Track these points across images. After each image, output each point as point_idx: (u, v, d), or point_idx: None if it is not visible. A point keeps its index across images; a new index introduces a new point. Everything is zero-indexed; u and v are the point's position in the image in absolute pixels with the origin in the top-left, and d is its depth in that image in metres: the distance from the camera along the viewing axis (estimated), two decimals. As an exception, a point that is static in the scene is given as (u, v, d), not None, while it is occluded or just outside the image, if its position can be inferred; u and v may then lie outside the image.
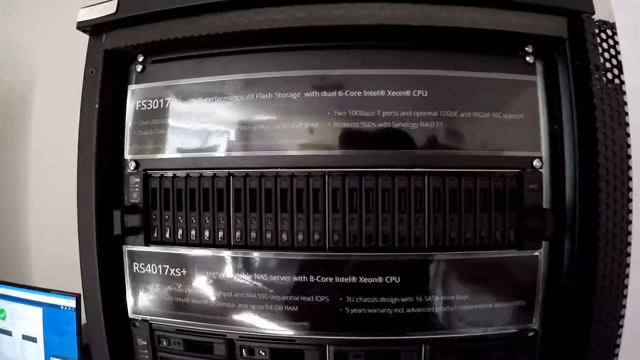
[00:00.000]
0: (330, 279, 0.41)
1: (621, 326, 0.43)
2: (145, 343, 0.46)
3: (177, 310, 0.44)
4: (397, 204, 0.40)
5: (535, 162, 0.42)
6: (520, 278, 0.42)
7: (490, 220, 0.41)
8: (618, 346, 0.43)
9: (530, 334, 0.43)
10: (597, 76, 0.42)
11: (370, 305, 0.41)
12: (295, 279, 0.41)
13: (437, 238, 0.40)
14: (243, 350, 0.43)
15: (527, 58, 0.43)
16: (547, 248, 0.42)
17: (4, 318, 0.79)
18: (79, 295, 0.72)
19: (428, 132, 0.41)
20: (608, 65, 0.43)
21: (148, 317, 0.45)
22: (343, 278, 0.41)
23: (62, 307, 0.74)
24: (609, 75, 0.43)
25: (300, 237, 0.41)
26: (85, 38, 0.47)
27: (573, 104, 0.42)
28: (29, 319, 0.77)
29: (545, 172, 0.42)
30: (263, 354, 0.43)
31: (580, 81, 0.42)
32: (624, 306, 0.42)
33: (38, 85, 0.98)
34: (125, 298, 0.46)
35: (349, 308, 0.41)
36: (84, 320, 0.75)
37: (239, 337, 0.42)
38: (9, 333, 0.78)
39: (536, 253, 0.42)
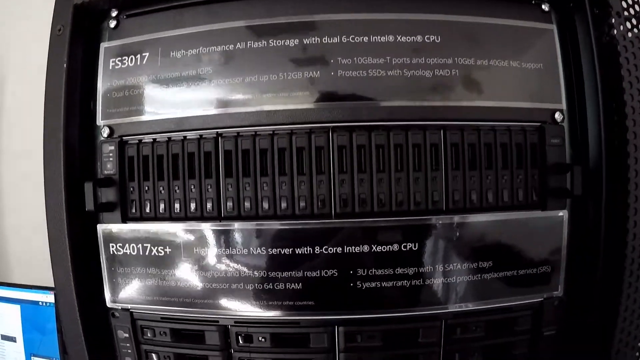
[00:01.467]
0: (339, 250, 0.34)
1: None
2: (126, 335, 0.38)
3: (162, 296, 0.36)
4: (412, 162, 0.34)
5: (557, 115, 0.38)
6: (545, 242, 0.37)
7: (512, 178, 0.37)
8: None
9: (556, 302, 0.39)
10: (619, 24, 0.39)
11: (384, 278, 0.34)
12: (297, 251, 0.33)
13: (456, 199, 0.35)
14: (239, 337, 0.35)
15: (543, 6, 0.40)
16: (571, 208, 0.39)
17: None
18: None
19: (443, 81, 0.36)
20: (629, 12, 0.41)
21: (129, 306, 0.37)
22: (353, 248, 0.34)
23: (40, 303, 0.64)
24: (630, 23, 0.40)
25: (303, 203, 0.34)
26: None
27: (595, 53, 0.38)
28: (6, 318, 0.67)
29: (566, 125, 0.39)
30: (263, 340, 0.35)
31: (601, 30, 0.39)
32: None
33: (8, 86, 0.92)
34: (103, 285, 0.40)
35: (360, 282, 0.34)
36: None
37: (235, 322, 0.35)
38: None
39: (561, 213, 0.38)
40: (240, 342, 0.36)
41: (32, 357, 0.68)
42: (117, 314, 0.38)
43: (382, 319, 0.35)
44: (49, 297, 0.64)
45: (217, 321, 0.36)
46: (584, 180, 0.36)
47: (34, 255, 0.82)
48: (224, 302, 0.35)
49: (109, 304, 0.38)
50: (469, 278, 0.35)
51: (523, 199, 0.35)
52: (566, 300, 0.38)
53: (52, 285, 0.67)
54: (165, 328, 0.37)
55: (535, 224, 0.36)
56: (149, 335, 0.37)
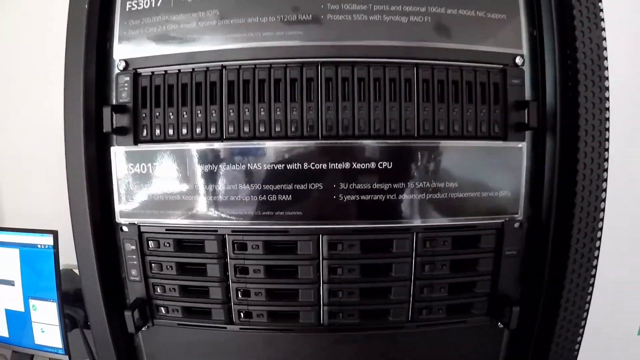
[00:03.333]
0: (324, 166, 0.40)
1: (602, 219, 0.45)
2: (133, 247, 0.44)
3: (167, 210, 0.42)
4: (388, 94, 0.41)
5: (518, 59, 0.44)
6: (506, 169, 0.43)
7: (476, 112, 0.42)
8: (600, 233, 0.45)
9: (517, 225, 0.45)
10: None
11: (363, 192, 0.40)
12: (289, 167, 0.40)
13: (426, 128, 0.41)
14: (235, 245, 0.41)
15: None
16: (530, 142, 0.44)
17: None
18: (56, 232, 0.69)
19: (417, 26, 0.42)
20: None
21: (136, 221, 0.43)
22: (336, 165, 0.41)
23: (39, 246, 0.69)
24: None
25: (294, 126, 0.40)
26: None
27: (552, 6, 0.44)
28: (5, 263, 0.72)
29: (526, 69, 0.45)
30: (256, 247, 0.42)
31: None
32: (605, 192, 0.44)
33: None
34: (112, 203, 0.45)
35: (342, 195, 0.40)
36: (62, 260, 0.73)
37: (231, 231, 0.41)
38: None
39: (520, 145, 0.44)
40: (236, 249, 0.40)
41: (29, 300, 0.72)
42: (125, 228, 0.43)
43: (360, 230, 0.40)
44: (47, 240, 0.69)
45: (216, 231, 0.41)
46: (541, 116, 0.41)
47: (26, 202, 0.87)
48: (223, 213, 0.41)
49: (118, 220, 0.43)
50: (438, 196, 0.41)
51: (486, 130, 0.41)
52: (526, 224, 0.43)
53: (51, 229, 0.72)
54: (169, 239, 0.42)
55: (497, 153, 0.42)
56: (153, 246, 0.42)
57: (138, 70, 0.43)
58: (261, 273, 0.41)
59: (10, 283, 0.73)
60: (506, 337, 0.48)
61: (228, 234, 0.41)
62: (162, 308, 0.44)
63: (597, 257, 0.45)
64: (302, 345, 0.45)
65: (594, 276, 0.45)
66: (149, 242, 0.43)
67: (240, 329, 0.43)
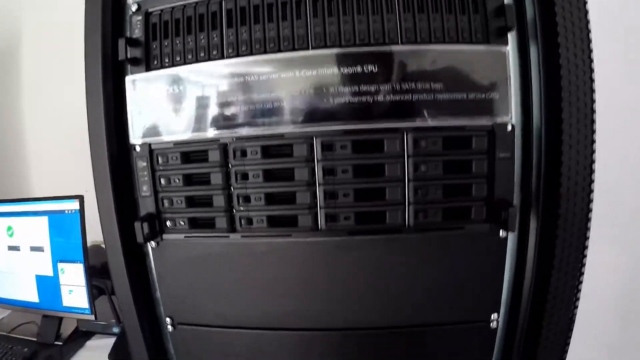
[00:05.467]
0: (314, 72, 0.44)
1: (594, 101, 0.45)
2: (144, 164, 0.48)
3: (175, 126, 0.47)
4: (370, 6, 0.45)
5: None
6: (492, 72, 0.45)
7: (456, 20, 0.45)
8: (593, 135, 0.45)
9: (509, 128, 0.45)
10: None
11: (352, 94, 0.44)
12: (282, 75, 0.44)
13: (408, 35, 0.44)
14: (236, 152, 0.45)
15: None
16: (516, 47, 0.46)
17: (12, 235, 0.81)
18: (82, 196, 0.75)
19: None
20: None
21: (148, 139, 0.48)
22: (325, 70, 0.44)
23: (66, 212, 0.76)
24: None
25: (286, 41, 0.45)
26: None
27: None
28: (35, 231, 0.79)
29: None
30: (255, 153, 0.45)
31: None
32: (593, 89, 0.45)
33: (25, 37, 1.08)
34: (127, 128, 0.49)
35: (332, 97, 0.44)
36: (89, 238, 0.78)
37: (232, 139, 0.45)
38: (17, 248, 0.81)
39: (504, 49, 0.45)
40: (237, 156, 0.43)
41: (58, 264, 0.77)
42: (137, 147, 0.47)
43: (351, 130, 0.42)
44: (74, 205, 0.75)
45: (218, 140, 0.44)
46: (519, 18, 0.43)
47: (53, 170, 0.95)
48: (224, 124, 0.45)
49: (131, 141, 0.47)
50: (424, 97, 0.43)
51: (467, 35, 0.43)
52: (519, 128, 0.44)
53: (77, 194, 0.78)
54: (176, 152, 0.46)
55: (481, 56, 0.44)
56: (162, 161, 0.46)
57: (149, 10, 0.49)
58: (260, 178, 0.44)
59: (40, 249, 0.79)
60: (510, 247, 0.47)
61: (229, 142, 0.45)
62: (170, 221, 0.48)
63: (592, 154, 0.44)
64: (301, 253, 0.46)
65: (592, 172, 0.44)
66: (159, 157, 0.47)
67: (242, 236, 0.46)
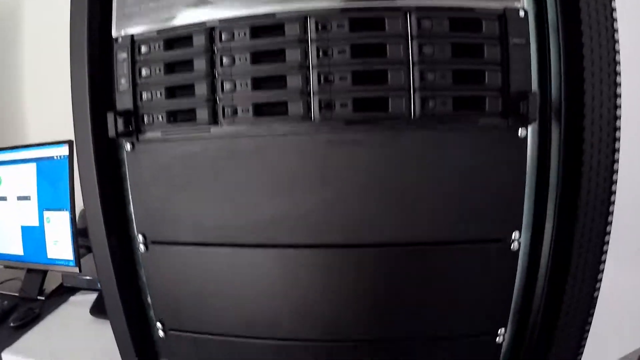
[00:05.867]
0: None
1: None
2: (124, 55, 0.44)
3: (159, 14, 0.42)
4: None
5: None
6: None
7: None
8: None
9: (522, 14, 0.41)
10: None
11: None
12: None
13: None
14: (222, 34, 0.41)
15: None
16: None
17: (0, 184, 0.77)
18: (72, 141, 0.71)
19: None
20: None
21: (131, 30, 0.43)
22: None
23: (55, 157, 0.72)
24: None
25: None
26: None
27: None
28: (22, 179, 0.75)
29: None
30: (243, 35, 0.41)
31: None
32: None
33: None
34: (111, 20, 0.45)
35: None
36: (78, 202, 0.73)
37: (219, 21, 0.41)
38: (4, 199, 0.77)
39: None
40: (224, 38, 0.39)
41: (44, 213, 0.72)
42: (120, 40, 0.44)
43: (349, 8, 0.38)
44: (63, 150, 0.71)
45: (205, 23, 0.40)
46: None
47: (46, 115, 0.93)
48: (210, 5, 0.40)
49: (114, 34, 0.44)
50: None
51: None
52: (533, 14, 0.40)
53: (67, 139, 0.74)
54: (159, 40, 0.42)
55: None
56: (144, 51, 0.42)
57: None
58: (247, 61, 0.40)
59: (27, 198, 0.75)
60: (530, 155, 0.41)
61: (216, 25, 0.41)
62: (147, 116, 0.43)
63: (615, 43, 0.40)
64: (291, 150, 0.41)
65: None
66: (141, 47, 0.43)
67: (226, 127, 0.40)
